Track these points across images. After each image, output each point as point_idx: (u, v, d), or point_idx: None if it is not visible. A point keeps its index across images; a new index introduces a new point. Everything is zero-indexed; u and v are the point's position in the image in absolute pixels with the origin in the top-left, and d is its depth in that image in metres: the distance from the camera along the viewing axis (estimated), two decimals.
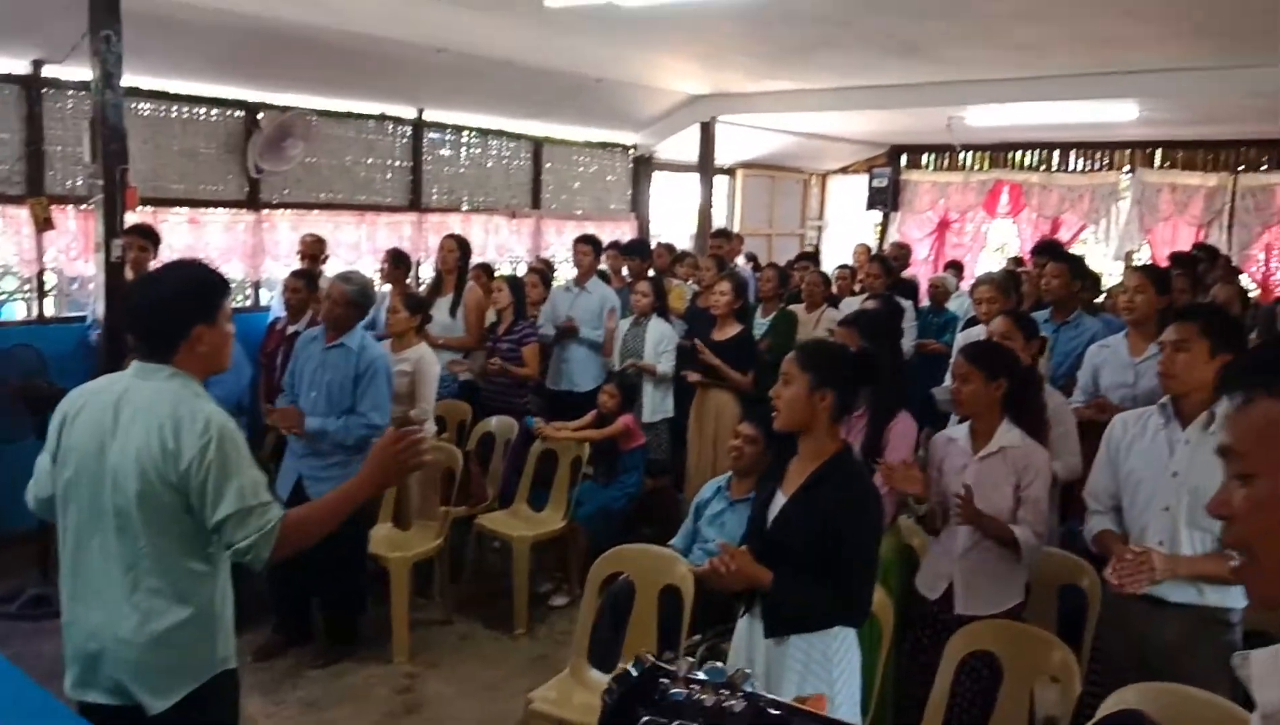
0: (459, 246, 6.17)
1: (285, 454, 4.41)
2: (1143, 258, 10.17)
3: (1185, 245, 9.21)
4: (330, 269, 6.46)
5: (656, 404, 5.90)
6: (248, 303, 7.11)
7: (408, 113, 7.81)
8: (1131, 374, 4.29)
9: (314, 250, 6.47)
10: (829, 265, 10.05)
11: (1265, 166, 9.71)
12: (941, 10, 5.21)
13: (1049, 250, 6.31)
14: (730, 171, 11.45)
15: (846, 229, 12.59)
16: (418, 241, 7.83)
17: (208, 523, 2.18)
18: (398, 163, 7.89)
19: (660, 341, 5.85)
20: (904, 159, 12.05)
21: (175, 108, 6.50)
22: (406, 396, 4.94)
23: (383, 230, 7.66)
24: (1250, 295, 8.15)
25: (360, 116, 7.55)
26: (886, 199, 11.88)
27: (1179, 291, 5.31)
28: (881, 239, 11.87)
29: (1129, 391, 4.26)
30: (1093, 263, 10.48)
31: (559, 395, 6.12)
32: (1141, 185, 10.25)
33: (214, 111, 6.71)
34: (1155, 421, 2.90)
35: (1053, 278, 5.20)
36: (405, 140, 7.91)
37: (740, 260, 9.68)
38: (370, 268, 7.57)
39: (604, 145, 9.73)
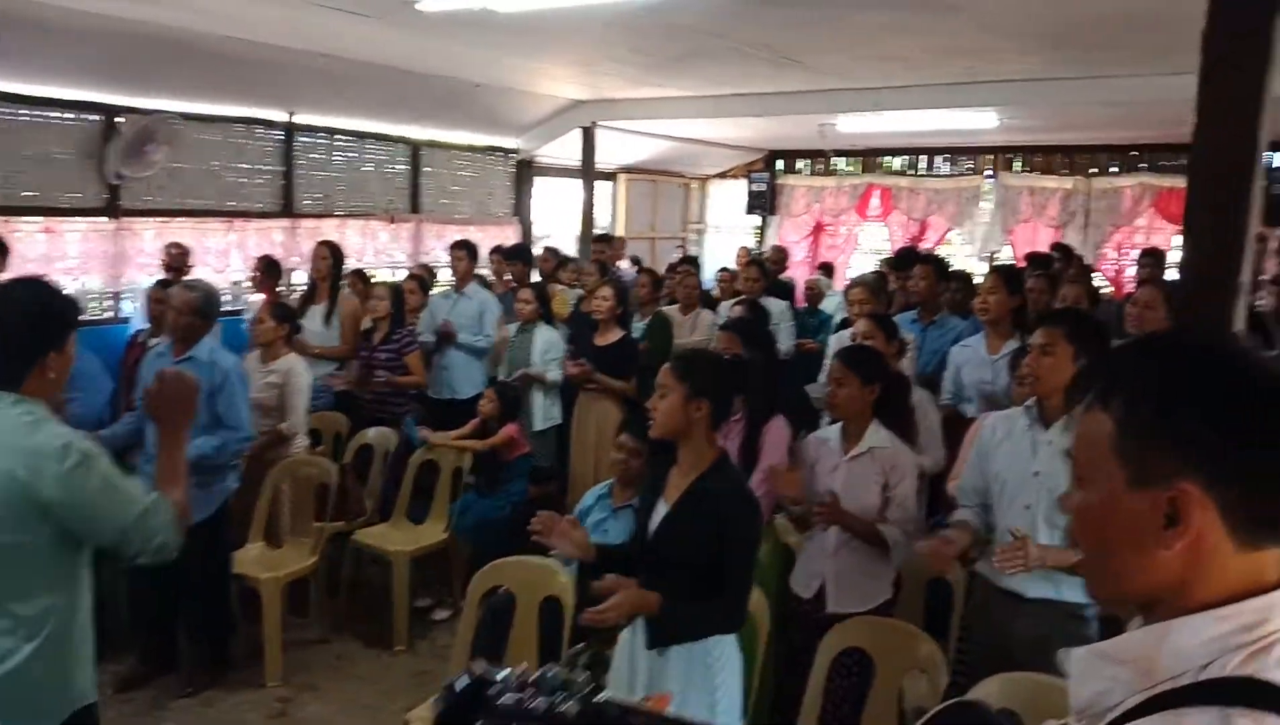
0: (332, 253, 6.00)
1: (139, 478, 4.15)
2: (1005, 257, 10.66)
3: (1044, 245, 9.69)
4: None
5: (546, 411, 5.86)
6: (108, 314, 6.77)
7: (278, 116, 7.57)
8: (990, 371, 4.50)
9: (177, 261, 6.20)
10: (712, 268, 10.22)
11: (1116, 170, 10.32)
12: (812, 22, 5.32)
13: (907, 259, 6.56)
14: (613, 176, 11.49)
15: (728, 232, 12.81)
16: (290, 248, 7.60)
17: (103, 541, 2.13)
18: (268, 167, 7.65)
19: (547, 348, 5.81)
20: (780, 164, 12.35)
21: (25, 111, 6.14)
22: (276, 409, 4.78)
23: (253, 237, 7.41)
24: (1104, 292, 8.66)
25: (228, 120, 7.28)
26: (764, 203, 12.15)
27: (1036, 291, 5.56)
28: (760, 242, 12.12)
29: (989, 387, 4.47)
30: (959, 263, 11.01)
31: (440, 404, 6.02)
32: (1003, 188, 10.76)
33: (68, 115, 6.36)
34: (1021, 422, 3.00)
35: (920, 279, 5.40)
36: (276, 144, 7.67)
37: (624, 264, 9.74)
38: (241, 276, 7.34)
39: (485, 149, 9.63)
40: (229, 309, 7.18)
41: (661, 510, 2.70)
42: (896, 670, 2.97)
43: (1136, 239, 10.09)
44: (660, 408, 2.68)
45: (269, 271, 6.14)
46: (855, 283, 5.45)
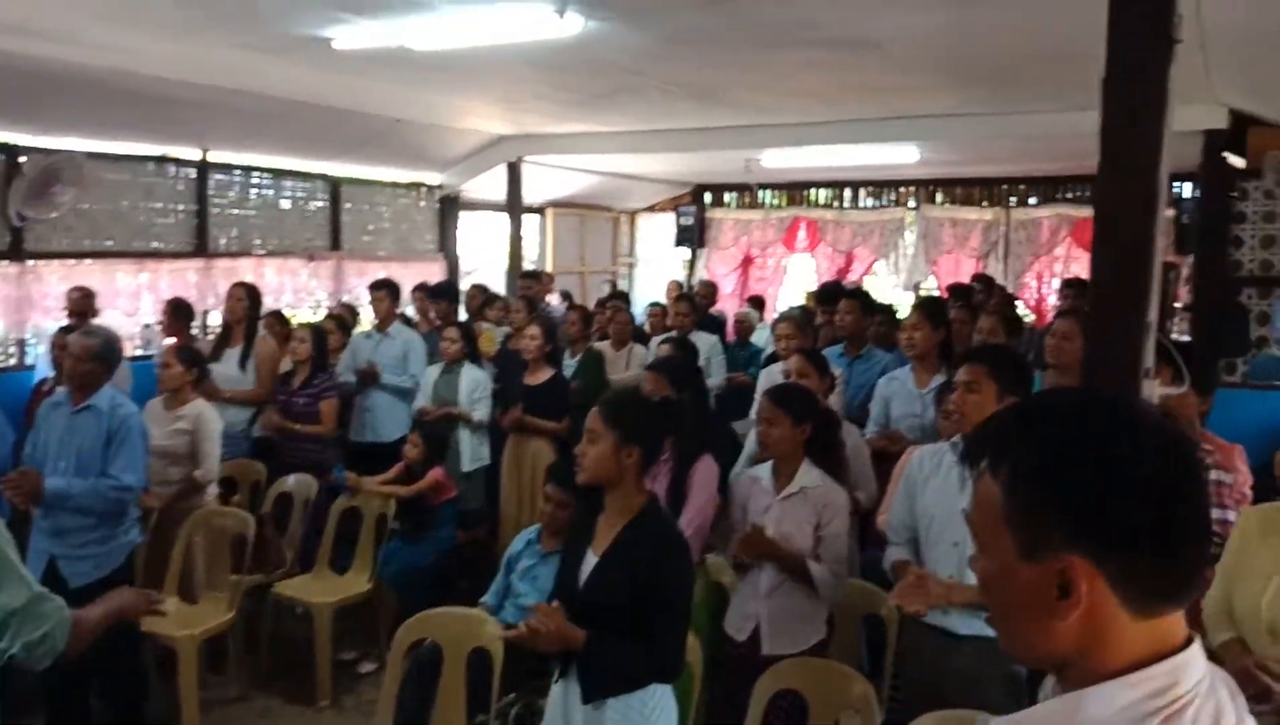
0: (248, 295, 5.82)
1: (32, 533, 3.88)
2: (930, 288, 10.88)
3: (967, 275, 9.93)
4: (108, 322, 6.00)
5: (474, 452, 5.75)
6: (11, 362, 6.48)
7: (191, 154, 7.38)
8: (919, 404, 4.53)
9: (81, 306, 5.88)
10: (643, 301, 10.23)
11: (1034, 201, 10.61)
12: (731, 62, 5.37)
13: (832, 293, 6.65)
14: (540, 210, 11.45)
15: (657, 266, 12.86)
16: (205, 289, 7.37)
17: None
18: (181, 207, 7.43)
19: (474, 388, 5.72)
20: (708, 197, 12.44)
21: None
22: (187, 457, 4.61)
23: (165, 278, 7.17)
24: (1026, 321, 8.87)
25: (138, 158, 7.07)
26: (693, 236, 12.23)
27: (958, 322, 5.65)
28: (690, 275, 12.18)
29: (917, 421, 4.50)
30: (885, 295, 11.20)
31: (362, 447, 5.87)
32: (925, 220, 10.98)
33: None
34: (949, 458, 2.99)
35: (846, 314, 5.45)
36: (189, 183, 7.46)
37: (554, 299, 9.69)
38: (152, 318, 7.11)
39: (408, 185, 9.52)
40: (141, 353, 6.96)
41: (590, 560, 2.63)
42: (831, 710, 2.95)
43: (1056, 268, 10.37)
44: (590, 454, 2.61)
45: (180, 314, 5.93)
46: (782, 318, 5.48)
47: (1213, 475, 3.26)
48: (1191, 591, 0.98)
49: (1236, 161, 6.55)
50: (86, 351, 3.86)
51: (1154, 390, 2.35)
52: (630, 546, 2.57)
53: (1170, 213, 9.11)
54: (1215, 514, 3.26)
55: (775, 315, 8.60)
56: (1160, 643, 0.96)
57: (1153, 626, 0.96)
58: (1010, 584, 0.99)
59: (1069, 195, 10.30)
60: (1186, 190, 9.08)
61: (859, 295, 5.94)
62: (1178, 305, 8.30)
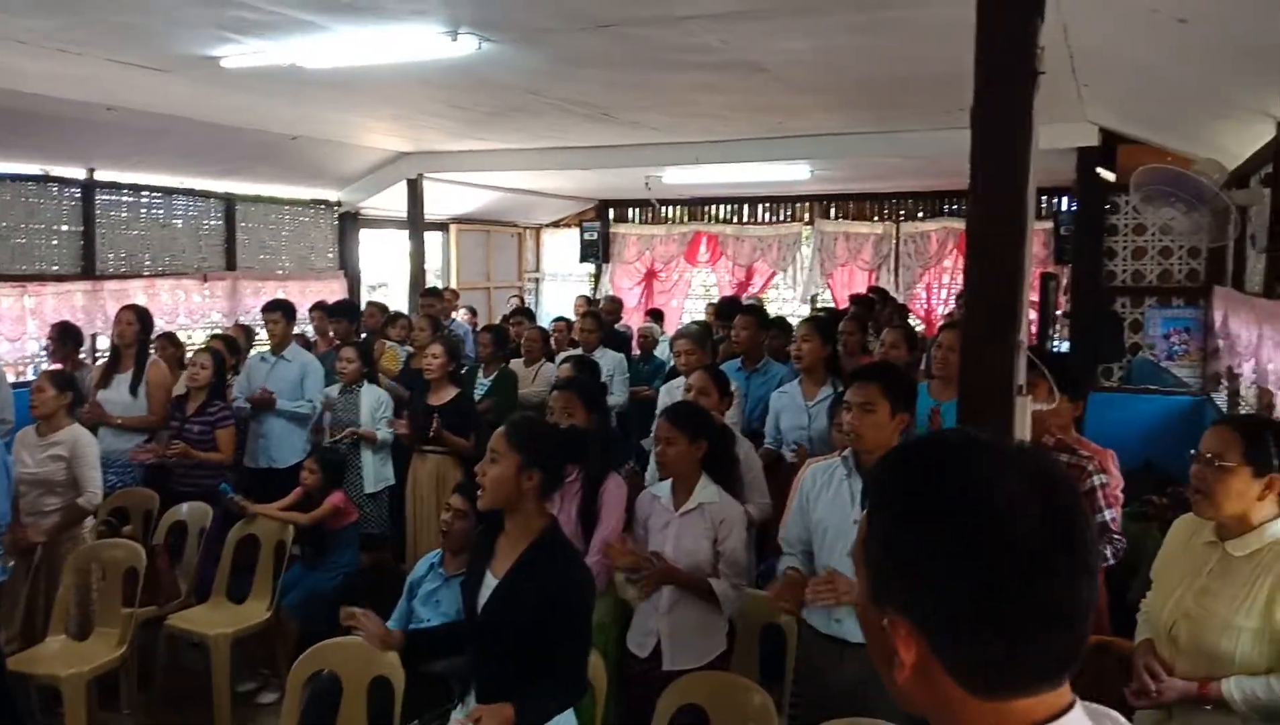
0: (138, 318, 5.62)
1: None
2: (825, 300, 11.18)
3: (860, 287, 10.24)
4: None
5: (378, 472, 5.68)
6: None
7: (76, 173, 7.12)
8: (805, 416, 4.68)
9: None
10: (548, 316, 10.25)
11: (922, 216, 11.00)
12: (624, 82, 5.45)
13: (730, 308, 6.78)
14: (444, 226, 11.38)
15: (563, 280, 12.91)
16: (93, 312, 7.11)
17: None
18: (66, 227, 7.16)
19: (376, 407, 5.65)
20: (612, 213, 12.55)
21: None
22: (65, 484, 4.46)
23: (51, 301, 6.89)
24: (918, 331, 9.17)
25: (19, 178, 6.79)
26: (598, 251, 12.34)
27: (848, 332, 5.83)
28: (595, 289, 12.26)
29: (804, 432, 4.65)
30: (785, 306, 11.47)
31: (258, 473, 5.74)
32: (820, 235, 11.30)
33: None
34: (840, 472, 3.09)
35: (741, 329, 5.56)
36: (74, 202, 7.20)
37: (460, 314, 9.63)
38: (37, 344, 6.83)
39: (306, 202, 9.35)
40: (27, 380, 6.67)
41: (490, 583, 2.63)
42: (733, 723, 3.00)
43: (944, 279, 10.76)
44: (490, 475, 2.62)
45: (67, 338, 5.72)
46: (680, 334, 5.56)
47: (1095, 480, 3.43)
48: (1055, 677, 0.89)
49: (1108, 176, 6.92)
50: None
51: (1027, 406, 2.48)
52: (529, 569, 2.58)
53: (1049, 225, 9.57)
54: (1107, 515, 3.44)
55: (675, 329, 8.71)
56: (1020, 722, 0.88)
57: (1006, 710, 0.89)
58: (865, 620, 0.97)
59: (954, 209, 10.72)
60: (1064, 203, 9.55)
61: (754, 310, 6.07)
62: (1059, 313, 8.70)
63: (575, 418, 3.72)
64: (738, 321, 5.60)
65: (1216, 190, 4.81)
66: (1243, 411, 5.36)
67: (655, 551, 3.23)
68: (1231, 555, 2.41)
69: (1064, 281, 8.55)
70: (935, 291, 10.88)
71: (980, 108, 2.34)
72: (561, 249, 13.06)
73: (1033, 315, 8.80)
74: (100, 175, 7.28)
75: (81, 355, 6.16)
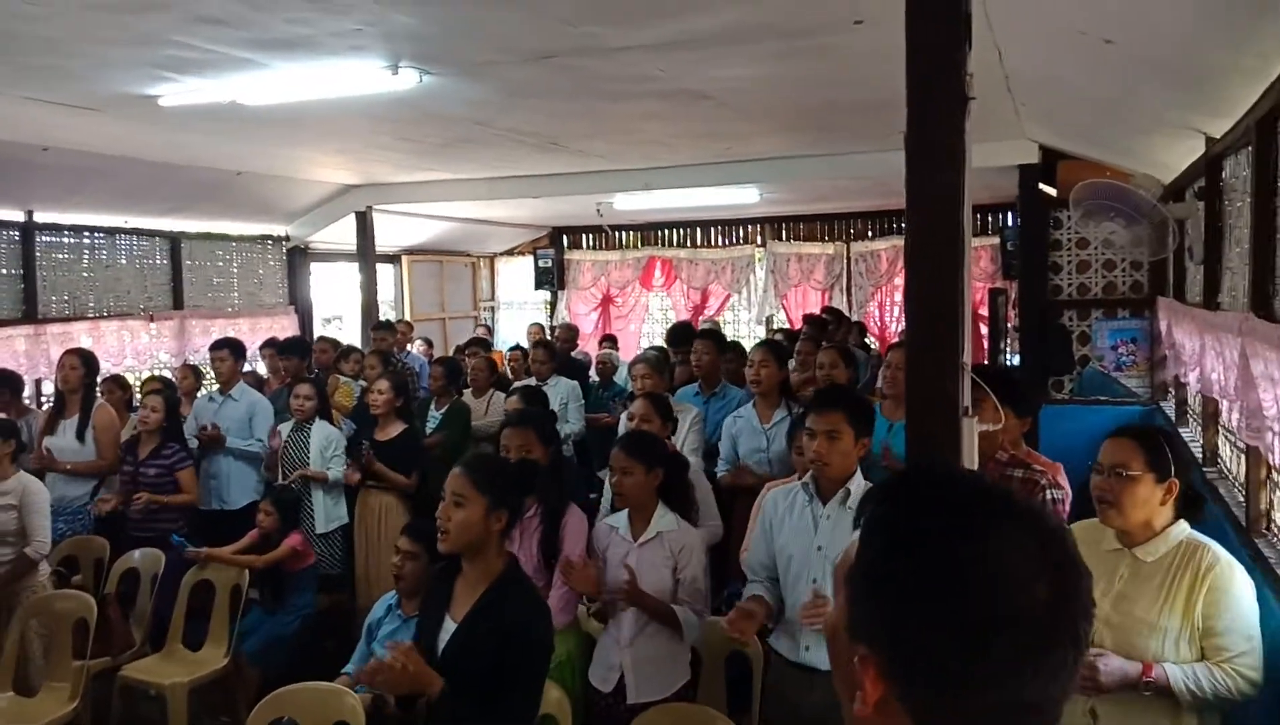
0: (83, 362, 5.51)
1: None
2: (780, 320, 11.26)
3: (814, 307, 10.34)
4: None
5: (330, 512, 5.59)
6: None
7: (14, 215, 6.99)
8: (763, 439, 4.71)
9: None
10: (505, 343, 10.20)
11: (872, 235, 11.15)
12: (570, 112, 5.49)
13: (684, 334, 6.81)
14: (395, 258, 11.31)
15: (518, 308, 12.88)
16: (36, 357, 6.95)
17: None
18: (6, 271, 7.01)
19: (327, 446, 5.57)
20: (565, 240, 12.57)
21: None
22: (15, 534, 4.36)
23: None
24: (872, 347, 9.27)
25: None
26: (553, 278, 12.34)
27: (803, 352, 5.86)
28: (551, 316, 12.25)
29: (763, 455, 4.68)
30: (740, 328, 11.52)
31: (209, 515, 5.64)
32: (773, 256, 11.41)
33: None
34: (801, 498, 3.10)
35: (703, 354, 5.58)
36: (13, 245, 7.05)
37: (415, 346, 9.55)
38: None
39: (254, 238, 9.25)
40: None
41: (449, 626, 2.58)
42: None
43: (896, 297, 10.89)
44: (457, 519, 2.55)
45: (7, 385, 5.58)
46: (638, 360, 5.57)
47: (1050, 494, 3.47)
48: None
49: (1050, 192, 7.06)
50: None
51: (974, 427, 2.51)
52: (490, 610, 2.53)
53: (995, 241, 9.73)
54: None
55: (634, 354, 8.71)
56: None
57: None
58: (836, 647, 0.95)
59: (902, 227, 10.82)
60: (1009, 219, 9.72)
61: (712, 334, 6.09)
62: (1010, 327, 8.84)
63: (533, 453, 3.68)
64: (697, 346, 5.62)
65: (1154, 203, 4.92)
66: (1190, 420, 5.48)
67: (629, 566, 3.22)
68: (1143, 561, 2.53)
69: (1012, 296, 8.69)
70: (888, 309, 11.01)
71: (912, 134, 2.38)
72: (516, 277, 13.04)
73: (984, 330, 8.98)
74: (40, 216, 7.14)
75: (26, 400, 6.03)
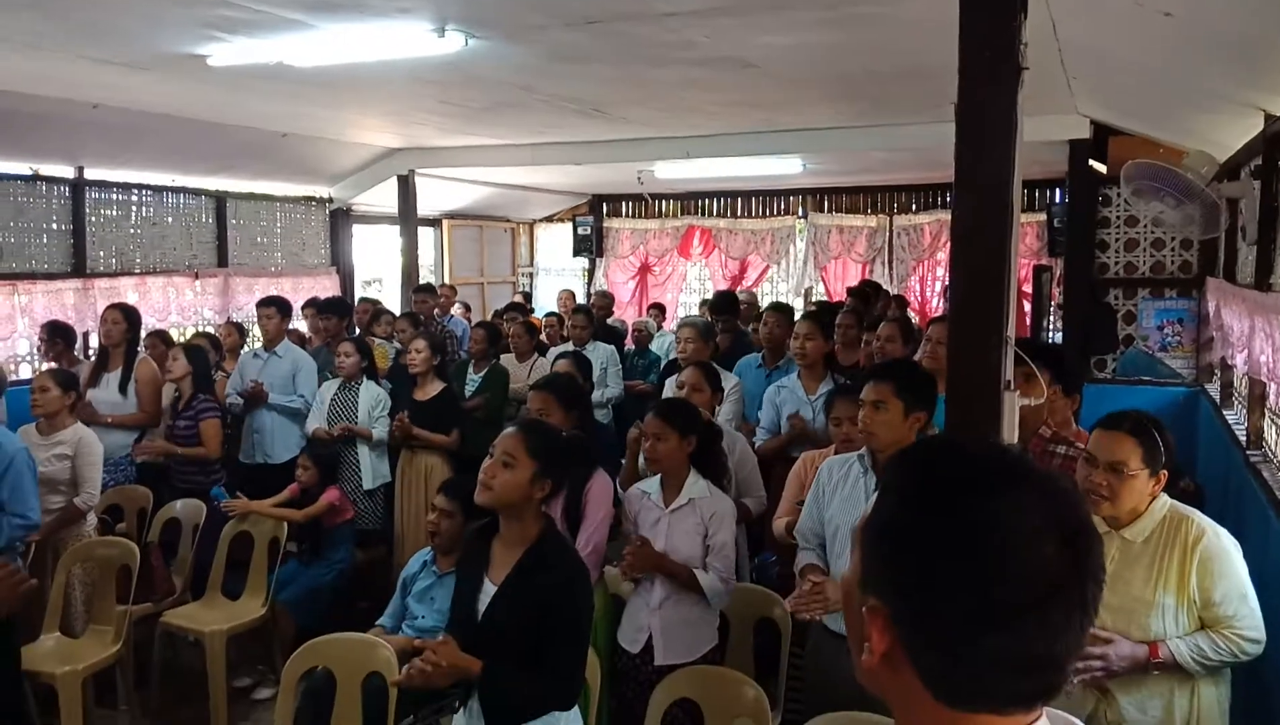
0: (125, 317, 5.62)
1: None
2: (819, 293, 11.18)
3: (854, 280, 10.23)
4: None
5: (375, 469, 5.67)
6: None
7: (65, 172, 7.10)
8: (809, 410, 4.69)
9: None
10: (542, 310, 10.24)
11: (915, 208, 11.01)
12: (612, 78, 5.45)
13: (727, 303, 6.76)
14: (437, 222, 11.37)
15: (556, 275, 12.90)
16: (84, 311, 7.09)
17: None
18: (56, 226, 7.14)
19: (375, 404, 5.64)
20: (605, 207, 12.53)
21: None
22: (67, 483, 4.46)
23: (41, 300, 6.88)
24: (913, 323, 9.17)
25: (7, 177, 6.77)
26: (591, 245, 12.32)
27: (844, 326, 5.81)
28: (589, 284, 12.25)
29: (809, 425, 4.65)
30: (777, 300, 11.43)
31: (253, 469, 5.75)
32: (814, 228, 11.30)
33: None
34: (856, 469, 3.08)
35: (774, 327, 5.49)
36: (64, 201, 7.18)
37: (456, 310, 9.63)
38: (28, 343, 6.83)
39: (298, 199, 9.33)
40: (15, 379, 6.66)
41: (489, 588, 2.58)
42: (726, 718, 3.01)
43: (938, 272, 10.77)
44: (502, 478, 2.54)
45: (60, 337, 5.72)
46: (685, 323, 5.51)
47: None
48: (1029, 705, 0.89)
49: (1099, 168, 6.93)
50: None
51: (1015, 402, 2.49)
52: (531, 572, 2.53)
53: (1042, 217, 9.57)
54: None
55: (675, 322, 8.71)
56: None
57: (966, 721, 0.89)
58: (848, 599, 0.98)
59: (947, 201, 10.70)
60: (1057, 195, 9.55)
61: (783, 308, 5.95)
62: (1053, 305, 8.71)
63: (552, 417, 3.69)
64: (768, 317, 5.56)
65: (1203, 186, 4.81)
66: (1236, 402, 5.39)
67: (641, 535, 3.24)
68: (1132, 542, 2.57)
69: (1057, 274, 8.56)
70: (929, 284, 10.89)
71: (964, 105, 2.34)
72: (555, 243, 13.05)
73: (1027, 307, 8.87)
74: (90, 173, 7.25)
75: (75, 353, 6.16)
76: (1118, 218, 7.12)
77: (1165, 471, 2.56)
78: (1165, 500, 2.59)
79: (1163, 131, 6.03)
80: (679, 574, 3.28)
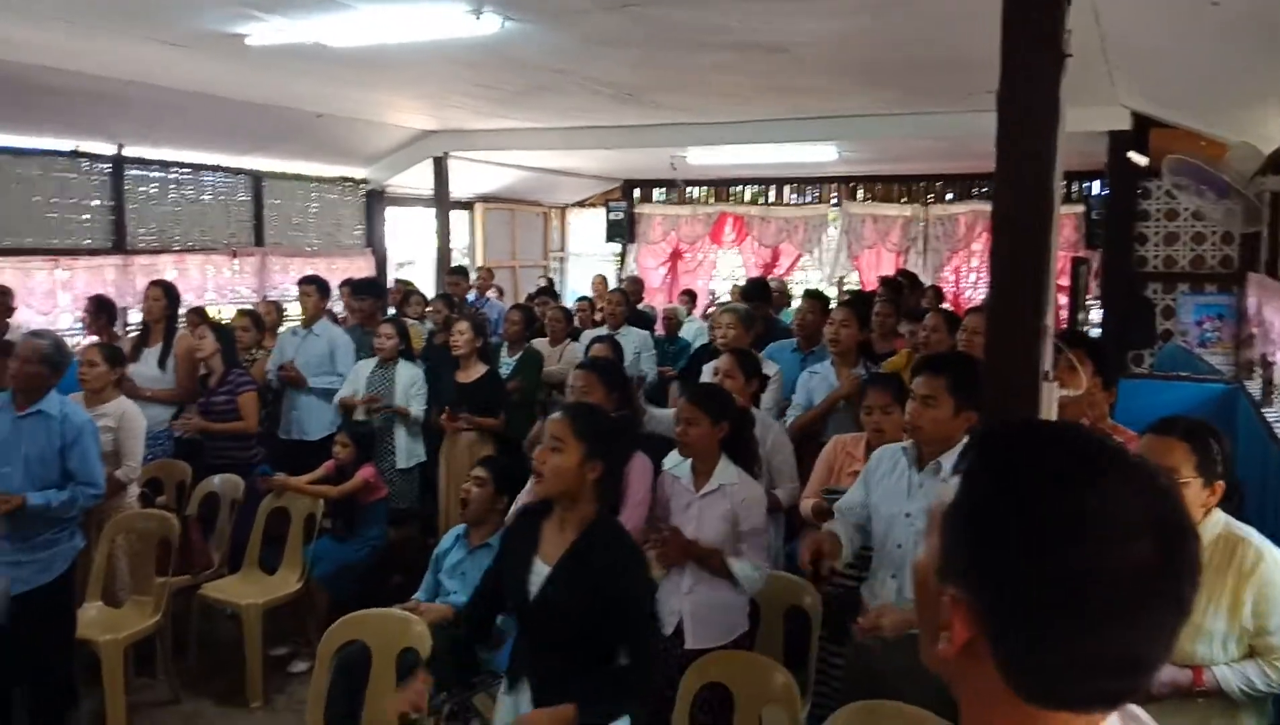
0: (165, 293, 5.71)
1: None
2: (852, 282, 11.12)
3: (888, 269, 10.17)
4: (22, 320, 5.85)
5: (410, 449, 5.73)
6: None
7: (105, 149, 7.20)
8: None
9: None
10: (573, 295, 10.27)
11: (951, 198, 10.91)
12: (648, 62, 5.44)
13: (759, 290, 6.74)
14: (469, 205, 11.41)
15: (588, 259, 12.92)
16: (123, 287, 7.20)
17: None
18: (97, 202, 7.25)
19: (411, 384, 5.69)
20: (637, 193, 12.52)
21: None
22: (110, 456, 4.54)
23: (82, 276, 7.00)
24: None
25: (49, 153, 6.88)
26: (623, 231, 12.32)
27: (882, 315, 5.78)
28: (620, 269, 12.27)
29: (845, 414, 4.65)
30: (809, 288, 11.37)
31: (289, 445, 5.83)
32: (847, 216, 11.23)
33: None
34: (902, 461, 3.05)
35: (807, 313, 5.48)
36: (104, 177, 7.28)
37: (491, 293, 9.70)
38: (69, 317, 6.95)
39: (333, 180, 9.41)
40: None
41: (541, 570, 2.58)
42: (755, 703, 3.01)
43: (973, 262, 10.69)
44: (552, 464, 2.54)
45: (103, 311, 5.83)
46: (726, 308, 5.48)
47: None
48: (1110, 707, 0.87)
49: (1140, 160, 6.83)
50: (36, 353, 3.79)
51: (1054, 393, 2.47)
52: (587, 556, 2.53)
53: (1080, 209, 9.46)
54: None
55: (711, 308, 8.69)
56: None
57: (1043, 718, 0.86)
58: (924, 589, 0.94)
59: (983, 191, 10.58)
60: (1096, 187, 9.43)
61: (818, 295, 5.92)
62: (1089, 298, 8.62)
63: (593, 397, 3.71)
64: (803, 303, 5.56)
65: (1241, 187, 4.74)
66: (1276, 400, 5.32)
67: (670, 525, 3.25)
68: None
69: (1095, 266, 8.47)
70: (964, 274, 10.80)
71: (1006, 91, 2.32)
72: (587, 228, 13.07)
73: (1063, 300, 8.78)
74: (130, 151, 7.35)
75: (115, 328, 6.27)
76: (1157, 211, 7.03)
77: (1221, 482, 2.40)
78: (1220, 517, 2.44)
79: (1206, 123, 5.94)
80: (711, 561, 3.28)
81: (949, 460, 2.93)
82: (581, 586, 2.49)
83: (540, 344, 6.70)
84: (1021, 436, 0.92)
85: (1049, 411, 2.38)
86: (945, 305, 9.56)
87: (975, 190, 10.68)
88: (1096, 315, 7.98)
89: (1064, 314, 8.56)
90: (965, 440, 1.01)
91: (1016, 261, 2.26)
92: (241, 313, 6.63)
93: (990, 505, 0.87)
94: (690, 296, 10.05)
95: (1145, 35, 4.44)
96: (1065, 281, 8.85)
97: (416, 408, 5.65)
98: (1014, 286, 2.27)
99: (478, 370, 5.62)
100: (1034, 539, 0.83)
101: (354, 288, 7.28)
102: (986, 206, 10.34)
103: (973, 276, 10.62)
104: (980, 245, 10.58)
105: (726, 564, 3.27)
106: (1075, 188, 9.82)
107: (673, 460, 3.57)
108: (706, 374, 4.83)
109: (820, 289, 7.77)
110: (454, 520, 5.35)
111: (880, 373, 4.30)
